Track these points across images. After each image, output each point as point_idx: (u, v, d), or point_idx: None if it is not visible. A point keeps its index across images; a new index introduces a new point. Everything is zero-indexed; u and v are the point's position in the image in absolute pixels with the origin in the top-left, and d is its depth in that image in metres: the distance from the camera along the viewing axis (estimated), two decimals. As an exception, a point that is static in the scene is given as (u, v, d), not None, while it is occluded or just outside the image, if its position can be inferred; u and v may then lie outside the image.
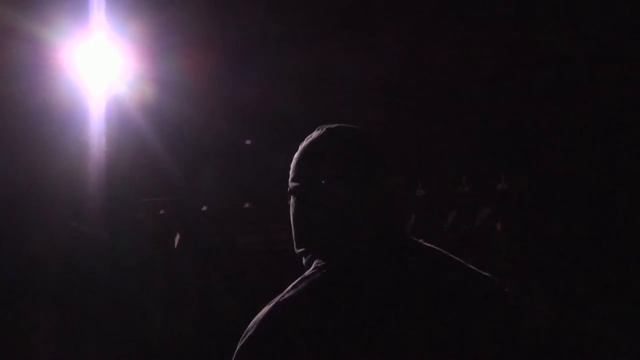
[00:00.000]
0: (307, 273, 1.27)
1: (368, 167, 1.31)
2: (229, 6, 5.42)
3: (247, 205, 5.76)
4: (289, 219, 1.38)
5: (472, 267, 1.31)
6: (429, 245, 1.32)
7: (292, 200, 1.37)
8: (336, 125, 1.37)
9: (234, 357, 1.21)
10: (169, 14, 5.30)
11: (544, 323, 4.80)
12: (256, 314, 1.24)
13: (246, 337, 1.20)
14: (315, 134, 1.37)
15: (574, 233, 5.09)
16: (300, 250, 1.35)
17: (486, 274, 1.31)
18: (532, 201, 5.34)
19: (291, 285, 1.24)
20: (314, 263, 1.28)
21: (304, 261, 1.33)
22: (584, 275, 4.95)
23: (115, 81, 5.38)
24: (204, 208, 5.78)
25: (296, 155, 1.38)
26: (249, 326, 1.22)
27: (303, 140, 1.39)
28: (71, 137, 5.18)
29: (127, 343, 5.27)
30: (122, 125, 5.44)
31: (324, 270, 1.24)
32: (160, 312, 5.52)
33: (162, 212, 5.76)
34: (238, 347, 1.21)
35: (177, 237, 5.65)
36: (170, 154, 5.65)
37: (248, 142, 5.96)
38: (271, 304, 1.22)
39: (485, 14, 5.29)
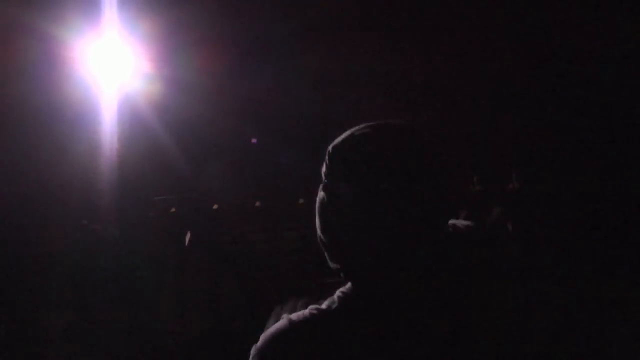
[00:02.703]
0: (329, 299, 1.16)
1: (414, 166, 1.12)
2: (240, 5, 5.43)
3: (257, 203, 5.76)
4: (312, 215, 1.22)
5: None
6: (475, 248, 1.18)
7: (322, 197, 1.17)
8: (377, 122, 1.16)
9: None
10: (180, 13, 5.32)
11: (555, 323, 4.77)
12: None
13: (257, 355, 1.11)
14: (356, 130, 1.16)
15: (585, 233, 5.06)
16: (335, 266, 1.18)
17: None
18: (544, 200, 5.31)
19: (308, 308, 1.15)
20: (343, 285, 1.16)
21: (340, 274, 1.18)
22: (595, 275, 4.91)
23: (126, 79, 5.40)
24: (215, 206, 5.79)
25: (333, 150, 1.16)
26: (261, 344, 1.13)
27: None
28: (82, 135, 5.21)
29: (136, 341, 5.29)
30: (133, 123, 5.46)
31: (349, 296, 1.13)
32: (171, 310, 5.53)
33: (173, 210, 5.77)
34: None
35: (188, 236, 5.65)
36: (181, 152, 5.66)
37: (254, 140, 5.97)
38: (285, 322, 1.13)
39: (496, 15, 5.27)
